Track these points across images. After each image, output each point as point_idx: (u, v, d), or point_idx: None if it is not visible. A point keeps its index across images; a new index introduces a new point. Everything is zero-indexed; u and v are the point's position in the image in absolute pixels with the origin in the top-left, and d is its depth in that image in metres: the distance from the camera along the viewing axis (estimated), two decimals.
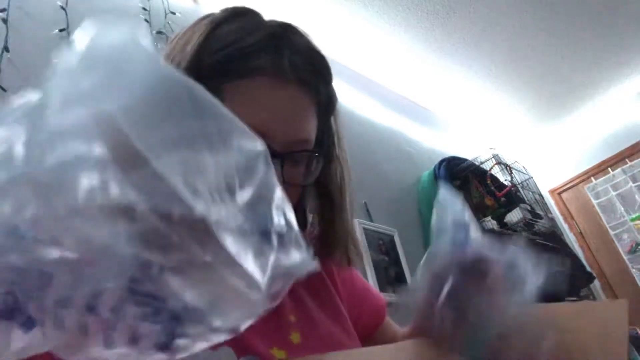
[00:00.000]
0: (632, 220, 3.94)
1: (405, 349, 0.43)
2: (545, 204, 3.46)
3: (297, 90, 0.45)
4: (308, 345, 0.47)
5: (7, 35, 1.43)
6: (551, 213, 3.55)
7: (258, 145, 0.23)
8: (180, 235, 0.20)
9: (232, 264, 0.21)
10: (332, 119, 0.53)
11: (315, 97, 0.47)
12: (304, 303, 0.52)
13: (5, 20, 1.45)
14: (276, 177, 0.23)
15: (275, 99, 0.43)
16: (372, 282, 2.12)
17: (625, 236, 4.00)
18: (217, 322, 0.22)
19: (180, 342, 0.22)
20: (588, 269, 3.50)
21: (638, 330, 2.74)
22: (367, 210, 2.28)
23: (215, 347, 0.42)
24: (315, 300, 0.54)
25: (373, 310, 0.64)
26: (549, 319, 0.46)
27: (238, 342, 0.43)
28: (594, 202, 4.21)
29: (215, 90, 0.37)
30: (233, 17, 0.48)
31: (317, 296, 0.55)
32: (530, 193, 3.25)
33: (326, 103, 0.50)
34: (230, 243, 0.21)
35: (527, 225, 2.95)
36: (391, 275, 2.29)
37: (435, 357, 0.41)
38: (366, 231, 2.14)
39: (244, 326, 0.23)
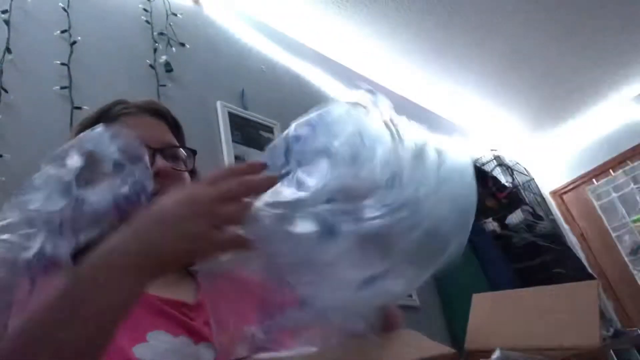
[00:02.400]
0: (634, 221, 3.94)
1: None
2: (547, 205, 3.46)
3: (153, 118, 0.74)
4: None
5: (8, 36, 1.43)
6: (552, 214, 3.55)
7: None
8: None
9: None
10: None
11: (165, 122, 0.75)
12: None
13: (7, 22, 1.46)
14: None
15: (145, 123, 0.72)
16: None
17: (626, 237, 3.99)
18: None
19: None
20: (589, 270, 3.49)
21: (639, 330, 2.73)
22: None
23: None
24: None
25: None
26: (530, 302, 0.50)
27: (192, 332, 0.56)
28: (596, 203, 4.20)
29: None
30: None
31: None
32: (532, 194, 3.25)
33: (175, 125, 0.77)
34: None
35: (529, 226, 2.95)
36: None
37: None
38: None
39: None
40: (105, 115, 0.70)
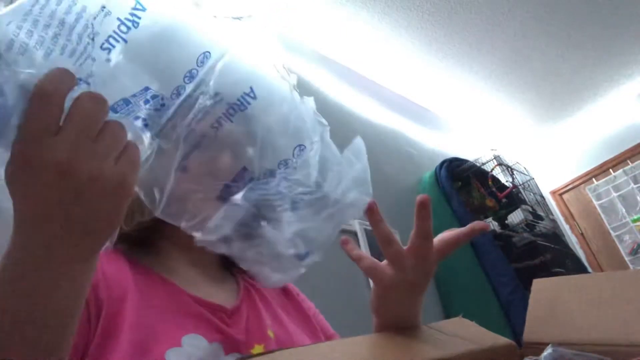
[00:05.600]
0: (634, 221, 3.94)
1: (356, 342, 0.44)
2: (547, 205, 3.46)
3: None
4: (279, 339, 0.59)
5: None
6: (552, 214, 3.55)
7: None
8: None
9: None
10: None
11: None
12: (275, 311, 0.65)
13: None
14: None
15: None
16: (372, 283, 2.12)
17: (626, 237, 3.99)
18: None
19: None
20: (589, 270, 3.49)
21: None
22: None
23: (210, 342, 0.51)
24: (284, 309, 0.68)
25: (330, 335, 0.73)
26: (597, 289, 0.47)
27: (227, 339, 0.53)
28: (596, 203, 4.21)
29: None
30: None
31: (287, 306, 0.69)
32: (532, 194, 3.25)
33: None
34: None
35: (529, 226, 2.95)
36: None
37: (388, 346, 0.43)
38: (367, 232, 2.13)
39: None
40: None
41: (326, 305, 0.74)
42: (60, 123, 0.31)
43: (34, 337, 0.33)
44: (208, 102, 0.39)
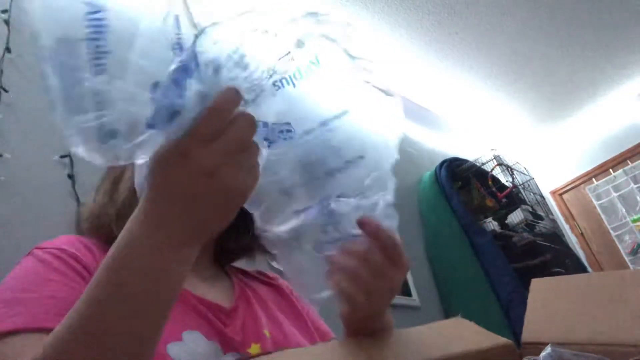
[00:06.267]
0: (634, 221, 3.94)
1: (341, 346, 0.45)
2: (547, 205, 3.46)
3: None
4: (275, 338, 0.60)
5: (8, 36, 1.43)
6: (552, 214, 3.55)
7: None
8: None
9: None
10: None
11: None
12: (270, 310, 0.67)
13: (7, 22, 1.46)
14: None
15: None
16: None
17: (626, 237, 3.99)
18: None
19: None
20: (589, 270, 3.49)
21: None
22: None
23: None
24: (279, 308, 0.69)
25: (323, 333, 0.73)
26: (597, 288, 0.46)
27: (224, 339, 0.55)
28: (595, 203, 4.21)
29: None
30: None
31: (280, 305, 0.70)
32: (532, 194, 3.25)
33: None
34: None
35: (529, 226, 2.95)
36: None
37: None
38: None
39: None
40: None
41: (323, 305, 0.74)
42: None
43: (147, 311, 0.37)
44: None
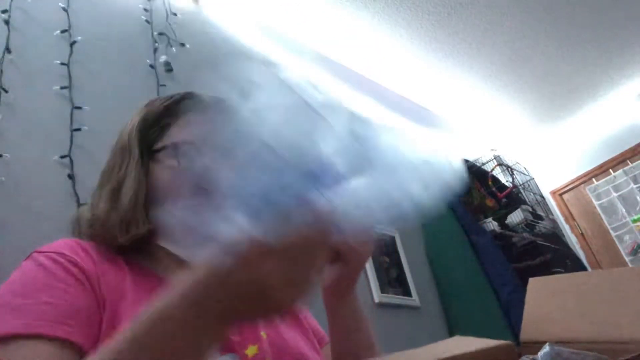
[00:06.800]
0: (634, 221, 3.94)
1: None
2: (547, 205, 3.46)
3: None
4: (271, 339, 0.60)
5: (8, 36, 1.43)
6: (552, 214, 3.55)
7: None
8: None
9: None
10: None
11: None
12: None
13: (7, 22, 1.46)
14: None
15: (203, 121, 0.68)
16: (373, 283, 2.12)
17: (626, 237, 3.99)
18: None
19: None
20: (589, 270, 3.49)
21: None
22: None
23: None
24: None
25: (320, 337, 0.74)
26: (594, 286, 0.46)
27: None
28: (595, 203, 4.21)
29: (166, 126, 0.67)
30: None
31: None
32: (532, 194, 3.25)
33: None
34: None
35: (528, 226, 2.95)
36: (392, 276, 2.28)
37: None
38: None
39: None
40: (174, 109, 0.68)
41: (320, 304, 0.73)
42: None
43: None
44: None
